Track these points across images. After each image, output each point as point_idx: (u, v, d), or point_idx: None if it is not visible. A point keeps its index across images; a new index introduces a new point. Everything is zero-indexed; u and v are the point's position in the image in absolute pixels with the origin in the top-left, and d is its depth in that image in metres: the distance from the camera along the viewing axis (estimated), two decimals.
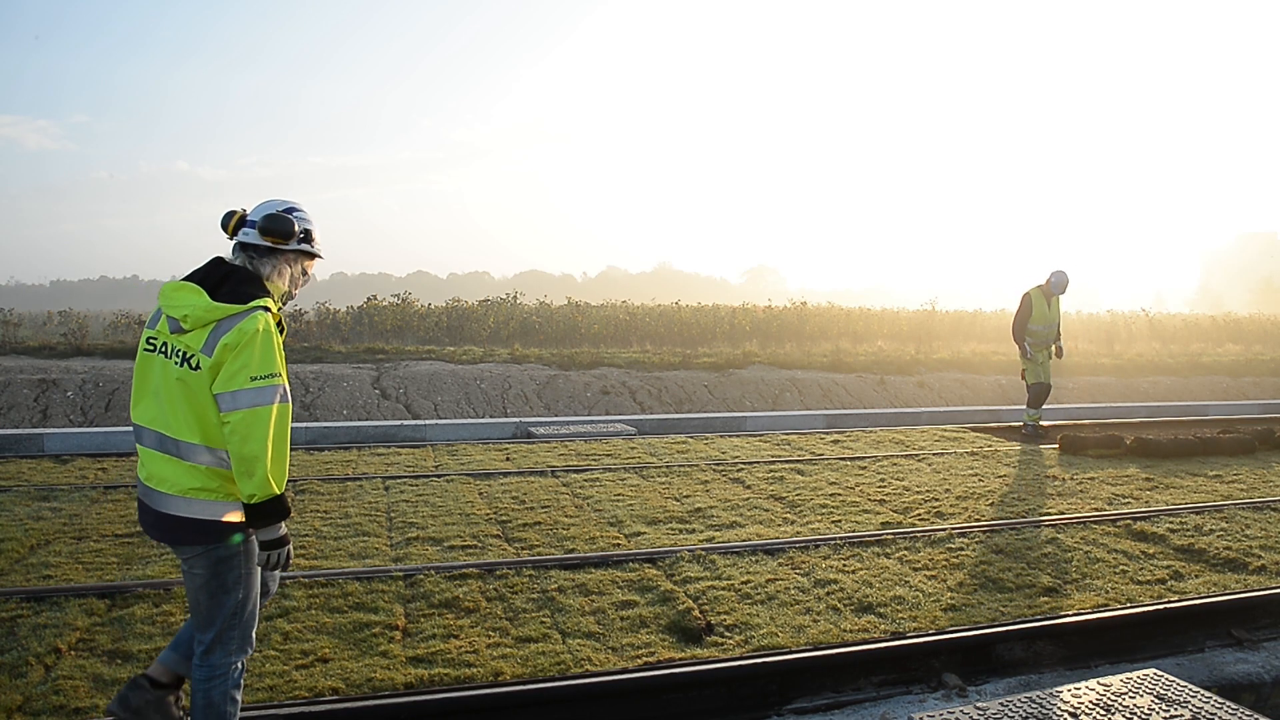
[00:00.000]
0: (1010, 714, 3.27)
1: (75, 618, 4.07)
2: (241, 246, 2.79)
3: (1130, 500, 6.94)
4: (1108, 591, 4.70)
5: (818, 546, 5.42)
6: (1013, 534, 5.78)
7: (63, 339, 16.31)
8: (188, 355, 2.62)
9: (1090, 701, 3.34)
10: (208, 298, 2.62)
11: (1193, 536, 5.76)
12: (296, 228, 2.79)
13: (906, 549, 5.41)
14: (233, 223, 2.80)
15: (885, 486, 7.31)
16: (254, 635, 2.87)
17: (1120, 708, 3.29)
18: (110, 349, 15.35)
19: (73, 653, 3.75)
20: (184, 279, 2.71)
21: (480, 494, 6.87)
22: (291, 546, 2.79)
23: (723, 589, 4.63)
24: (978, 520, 6.19)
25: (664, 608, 4.37)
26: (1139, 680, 3.53)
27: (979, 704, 3.38)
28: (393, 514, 6.20)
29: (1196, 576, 4.99)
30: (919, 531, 5.77)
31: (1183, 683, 3.52)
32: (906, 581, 4.80)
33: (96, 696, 3.37)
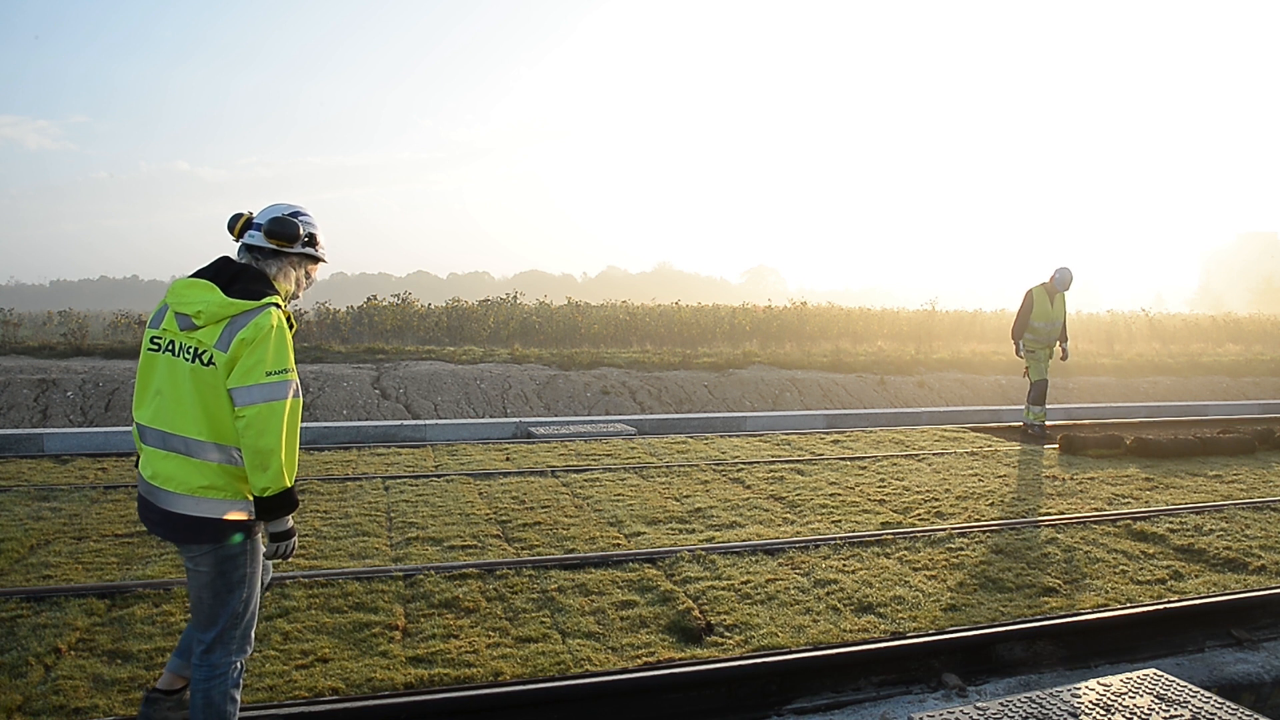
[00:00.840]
0: (1010, 714, 3.27)
1: (75, 618, 4.07)
2: (247, 248, 2.82)
3: (1130, 500, 6.93)
4: (1108, 591, 4.70)
5: (818, 546, 5.42)
6: (1013, 534, 5.78)
7: (63, 339, 16.32)
8: (200, 351, 2.64)
9: (1090, 701, 3.34)
10: (221, 294, 2.65)
11: (1193, 536, 5.76)
12: (301, 231, 2.83)
13: (906, 549, 5.41)
14: (239, 225, 2.83)
15: (885, 486, 7.31)
16: (254, 635, 2.89)
17: (1120, 708, 3.29)
18: (110, 349, 15.35)
19: (73, 653, 3.75)
20: (193, 276, 2.72)
21: (480, 494, 6.87)
22: (296, 541, 2.82)
23: (723, 589, 4.63)
24: (978, 520, 6.19)
25: (664, 608, 4.37)
26: (1139, 680, 3.53)
27: (979, 704, 3.38)
28: (393, 514, 6.20)
29: (1196, 576, 4.99)
30: (919, 531, 5.77)
31: (1183, 683, 3.53)
32: (906, 581, 4.80)
33: (96, 696, 3.37)
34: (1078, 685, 3.50)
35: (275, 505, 2.66)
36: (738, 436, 10.25)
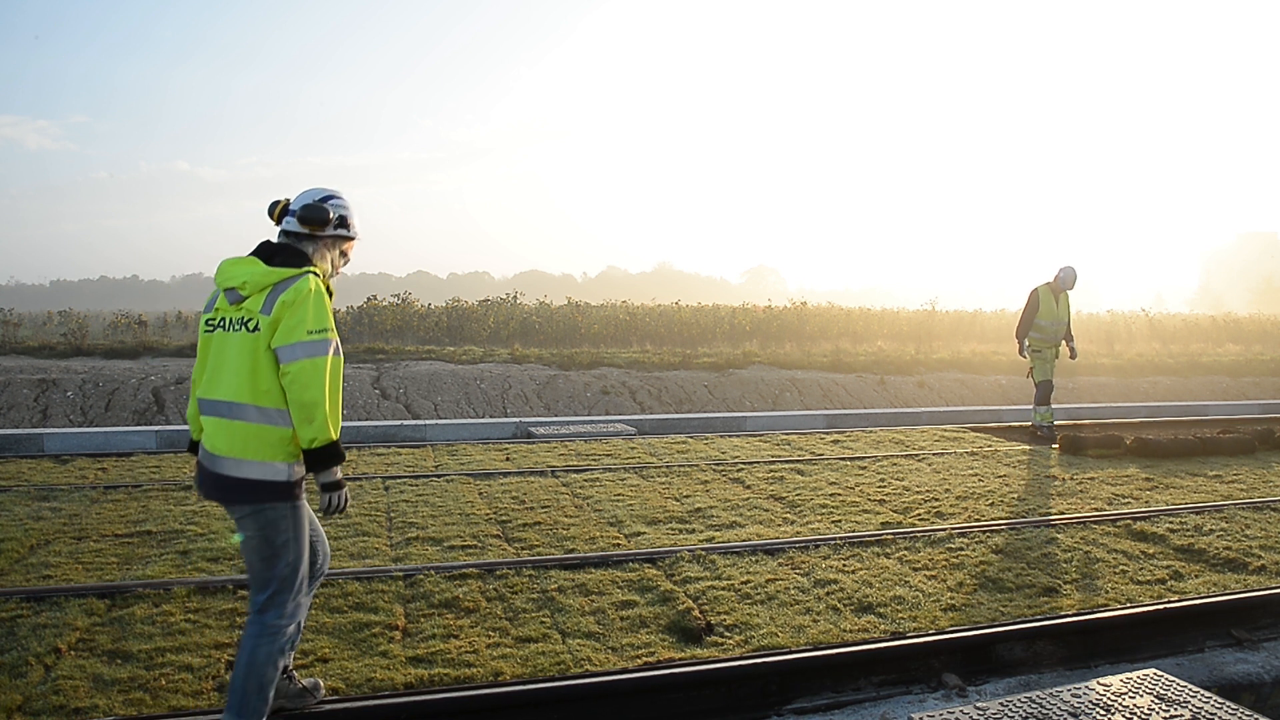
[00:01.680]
0: (1010, 714, 3.27)
1: (75, 618, 4.07)
2: (284, 233, 3.04)
3: (1130, 500, 6.94)
4: (1108, 591, 4.70)
5: (818, 546, 5.42)
6: (1013, 534, 5.78)
7: (63, 339, 16.32)
8: (246, 320, 2.87)
9: (1090, 701, 3.34)
10: (263, 265, 2.90)
11: (1193, 536, 5.76)
12: (332, 215, 3.03)
13: (906, 549, 5.41)
14: (277, 211, 3.07)
15: (885, 486, 7.31)
16: (306, 608, 3.07)
17: (1120, 708, 3.29)
18: (110, 349, 15.35)
19: (73, 653, 3.75)
20: (238, 257, 2.98)
21: (480, 494, 6.87)
22: (348, 491, 3.00)
23: (723, 589, 4.63)
24: (978, 520, 6.20)
25: (664, 608, 4.37)
26: (1139, 680, 3.53)
27: (979, 704, 3.38)
28: (393, 514, 6.20)
29: (1196, 576, 4.99)
30: (919, 531, 5.77)
31: (1183, 683, 3.53)
32: (906, 581, 4.80)
33: (96, 696, 3.37)
34: (1078, 685, 3.50)
35: (322, 457, 2.86)
36: (738, 436, 10.25)
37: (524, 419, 11.45)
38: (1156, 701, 3.34)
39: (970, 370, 18.34)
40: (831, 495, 6.96)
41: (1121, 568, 5.13)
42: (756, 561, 5.12)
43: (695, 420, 11.60)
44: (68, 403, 12.32)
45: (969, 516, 6.32)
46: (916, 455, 8.87)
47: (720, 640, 4.01)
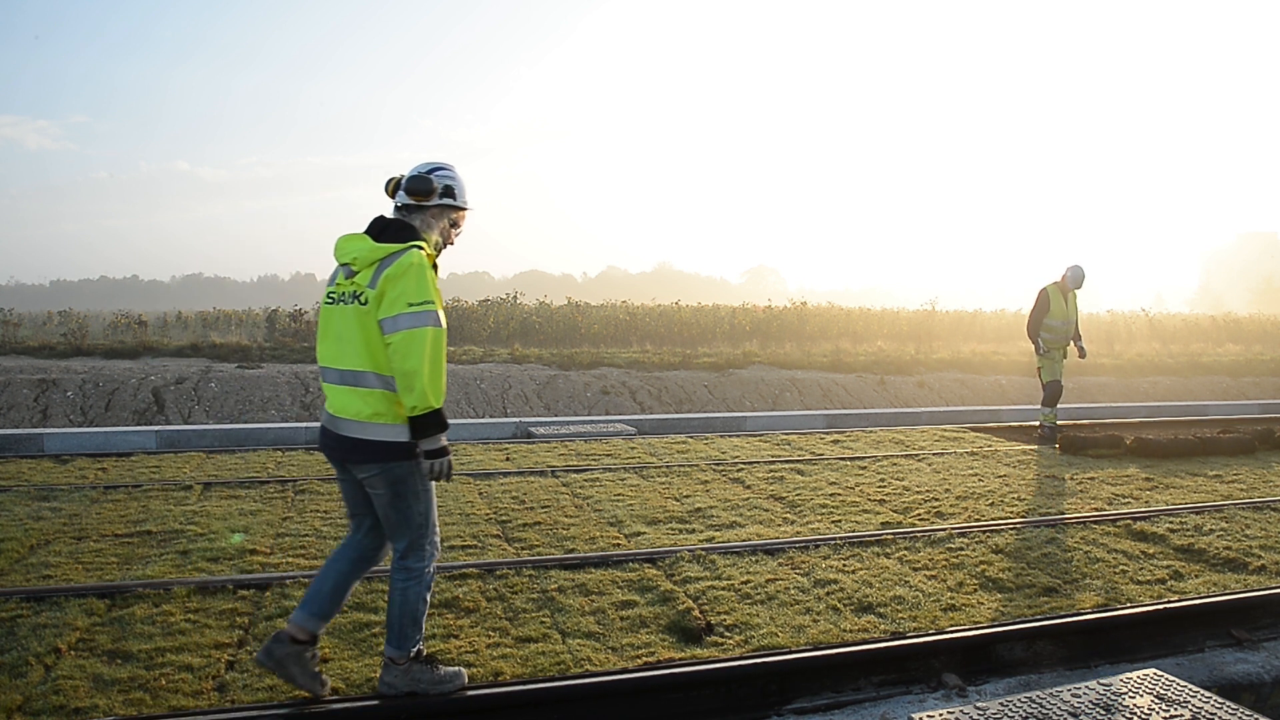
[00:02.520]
0: (1010, 714, 3.27)
1: (75, 618, 4.07)
2: (396, 206, 3.25)
3: (1130, 500, 6.94)
4: (1108, 591, 4.70)
5: (818, 546, 5.42)
6: (1013, 534, 5.78)
7: (63, 339, 16.33)
8: (358, 294, 3.07)
9: (1090, 701, 3.34)
10: (371, 241, 3.09)
11: (1193, 536, 5.76)
12: (437, 184, 3.20)
13: (906, 549, 5.41)
14: (391, 186, 3.27)
15: (885, 486, 7.31)
16: (439, 541, 3.32)
17: (1120, 708, 3.29)
18: (110, 349, 15.36)
19: (73, 653, 3.75)
20: (353, 233, 3.17)
21: (480, 494, 6.87)
22: (452, 458, 3.17)
23: (723, 589, 4.63)
24: (978, 520, 6.19)
25: (664, 608, 4.37)
26: (1139, 680, 3.53)
27: (979, 704, 3.38)
28: None
29: (1196, 576, 4.99)
30: (919, 531, 5.77)
31: (1183, 683, 3.53)
32: (906, 581, 4.80)
33: (96, 696, 3.37)
34: (1078, 685, 3.50)
35: (424, 423, 3.02)
36: (738, 436, 10.25)
37: (524, 419, 11.45)
38: (1156, 701, 3.34)
39: (970, 370, 18.34)
40: (831, 495, 6.96)
41: (1121, 568, 5.13)
42: (756, 561, 5.12)
43: (695, 420, 11.60)
44: (68, 403, 12.32)
45: (969, 516, 6.32)
46: (916, 455, 8.87)
47: (720, 640, 4.01)
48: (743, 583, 4.72)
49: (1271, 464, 8.66)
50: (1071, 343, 10.05)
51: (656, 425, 11.20)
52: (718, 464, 8.23)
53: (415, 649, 3.26)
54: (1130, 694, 3.41)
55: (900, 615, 4.31)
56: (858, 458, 8.67)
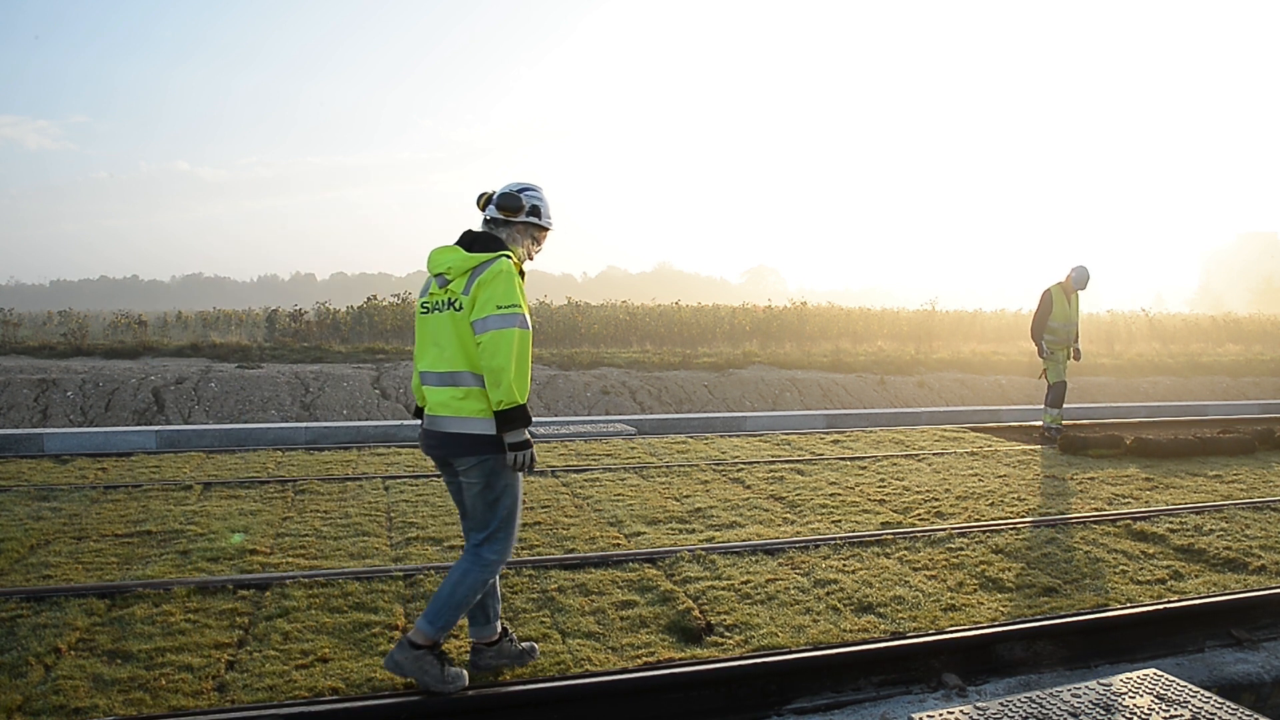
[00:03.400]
0: (1010, 714, 3.27)
1: (75, 618, 4.07)
2: (485, 221, 3.48)
3: (1130, 500, 6.93)
4: (1108, 591, 4.70)
5: (818, 546, 5.42)
6: (1013, 534, 5.78)
7: (63, 339, 16.33)
8: (452, 301, 3.31)
9: (1090, 701, 3.34)
10: (463, 252, 3.34)
11: (1193, 536, 5.76)
12: (525, 203, 3.43)
13: (906, 549, 5.41)
14: (482, 200, 3.50)
15: (885, 486, 7.31)
16: (515, 539, 3.49)
17: (1120, 708, 3.29)
18: (110, 349, 15.36)
19: (73, 653, 3.75)
20: (444, 246, 3.41)
21: None
22: (535, 451, 3.34)
23: (723, 589, 4.63)
24: (978, 520, 6.19)
25: (664, 608, 4.37)
26: (1139, 680, 3.53)
27: (979, 704, 3.38)
28: (393, 514, 6.20)
29: (1196, 576, 4.99)
30: (919, 531, 5.77)
31: (1183, 683, 3.52)
32: (906, 581, 4.80)
33: (96, 696, 3.37)
34: (1078, 685, 3.50)
35: (509, 417, 3.23)
36: (738, 436, 10.25)
37: None
38: (1156, 701, 3.34)
39: (970, 370, 18.34)
40: (831, 495, 6.95)
41: (1121, 568, 5.13)
42: (756, 561, 5.12)
43: (695, 420, 11.60)
44: (68, 403, 12.32)
45: (969, 516, 6.32)
46: (916, 455, 8.87)
47: (720, 640, 4.01)
48: (743, 583, 4.72)
49: (1271, 464, 8.66)
50: (1072, 343, 10.01)
51: (656, 425, 11.20)
52: (718, 464, 8.22)
53: (438, 639, 3.37)
54: (1130, 694, 3.41)
55: (900, 615, 4.31)
56: (858, 458, 8.67)
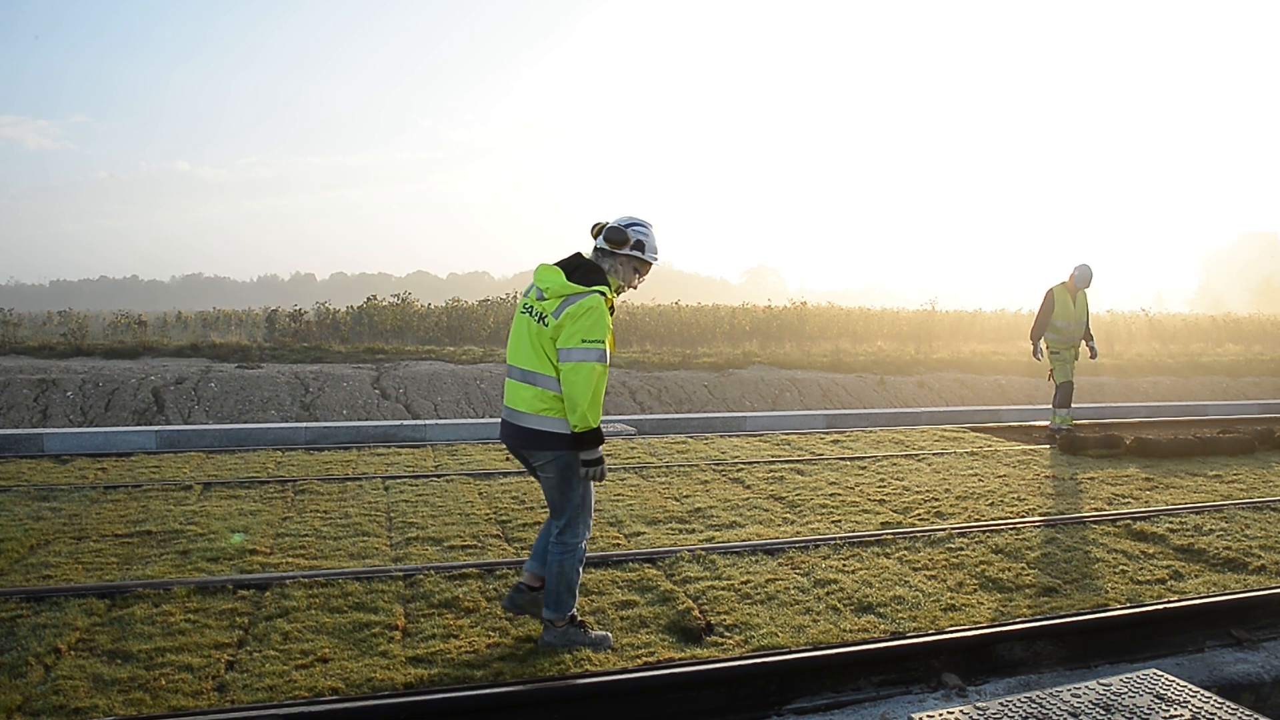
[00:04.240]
0: (1010, 714, 3.27)
1: (75, 618, 4.07)
2: (595, 248, 3.81)
3: (1130, 500, 6.93)
4: (1108, 591, 4.70)
5: (818, 546, 5.42)
6: (1013, 534, 5.77)
7: (62, 339, 16.32)
8: (542, 315, 3.66)
9: (1090, 701, 3.34)
10: (564, 278, 3.64)
11: (1193, 536, 5.76)
12: (630, 238, 3.74)
13: (906, 549, 5.41)
14: (595, 229, 3.83)
15: (885, 486, 7.31)
16: (591, 522, 3.86)
17: (1120, 707, 3.29)
18: (110, 349, 15.35)
19: (72, 653, 3.75)
20: (553, 264, 3.73)
21: (480, 494, 6.87)
22: (605, 465, 3.74)
23: (722, 589, 4.62)
24: (978, 520, 6.19)
25: (664, 608, 4.37)
26: (1139, 680, 3.53)
27: (979, 704, 3.37)
28: (393, 514, 6.20)
29: (1196, 576, 4.99)
30: (919, 531, 5.77)
31: (1183, 683, 3.52)
32: (906, 581, 4.80)
33: (96, 696, 3.37)
34: (1078, 685, 3.49)
35: (582, 438, 3.63)
36: (738, 436, 10.25)
37: None
38: (1156, 701, 3.34)
39: (970, 370, 18.34)
40: (831, 495, 6.95)
41: (1121, 568, 5.12)
42: (756, 561, 5.12)
43: (695, 420, 11.60)
44: (68, 403, 12.32)
45: (969, 516, 6.32)
46: (916, 455, 8.87)
47: (720, 640, 4.01)
48: (743, 583, 4.72)
49: (1271, 464, 8.66)
50: (1083, 343, 9.97)
51: (656, 425, 11.20)
52: (718, 464, 8.22)
53: (570, 613, 3.83)
54: (1130, 694, 3.40)
55: (900, 615, 4.31)
56: (858, 458, 8.67)
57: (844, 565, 5.06)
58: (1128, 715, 3.24)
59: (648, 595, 4.54)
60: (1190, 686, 3.49)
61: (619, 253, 3.75)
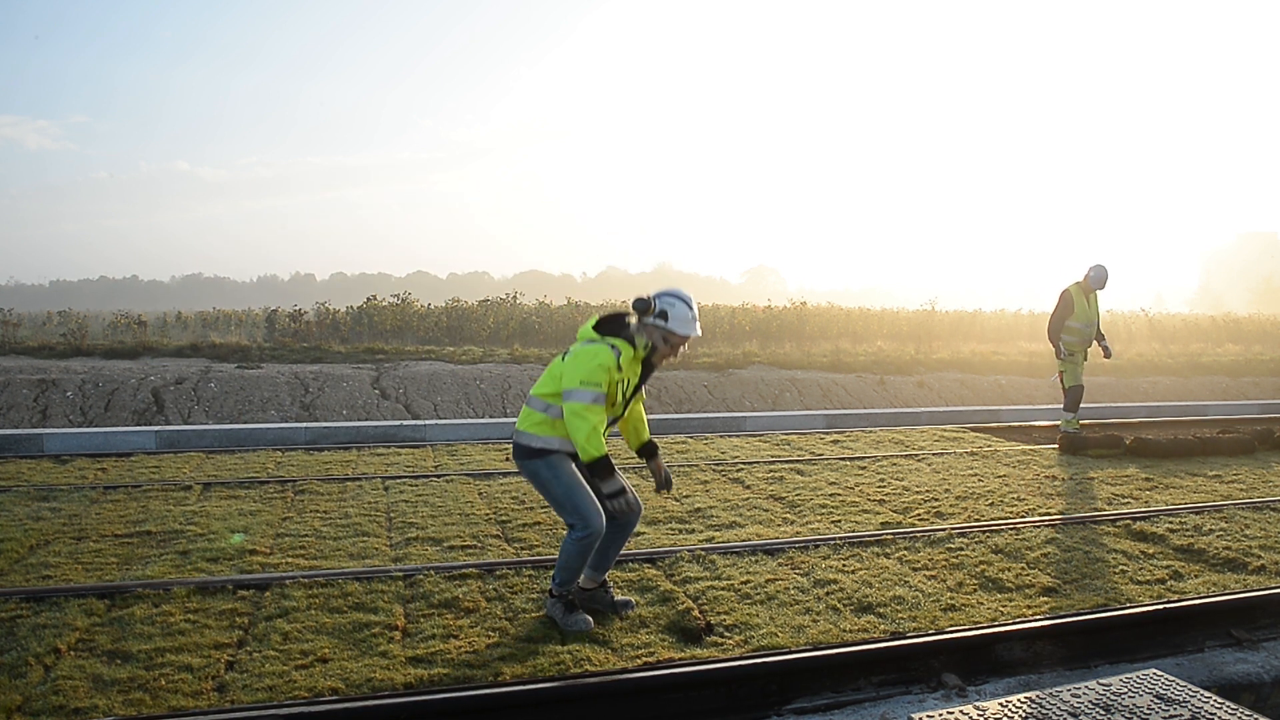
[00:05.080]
0: (1010, 714, 3.27)
1: (75, 618, 4.07)
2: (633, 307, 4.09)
3: (1130, 500, 6.93)
4: (1108, 591, 4.70)
5: (817, 546, 5.42)
6: (1013, 534, 5.78)
7: (62, 339, 16.32)
8: (565, 354, 4.08)
9: (1090, 701, 3.34)
10: (589, 327, 4.09)
11: (1192, 536, 5.76)
12: (655, 307, 4.01)
13: (906, 549, 5.41)
14: (636, 298, 4.10)
15: (885, 486, 7.31)
16: (589, 515, 3.98)
17: (1120, 708, 3.29)
18: (110, 349, 15.35)
19: (72, 653, 3.75)
20: (601, 317, 4.12)
21: (480, 494, 6.87)
22: (628, 496, 4.03)
23: (722, 589, 4.63)
24: (978, 520, 6.19)
25: (664, 608, 4.37)
26: (1139, 680, 3.53)
27: (979, 704, 3.37)
28: (392, 514, 6.20)
29: (1196, 576, 4.99)
30: (919, 531, 5.77)
31: (1183, 683, 3.52)
32: (906, 581, 4.80)
33: (96, 696, 3.37)
34: (1077, 685, 3.49)
35: (592, 469, 3.93)
36: (737, 436, 10.25)
37: None
38: (1156, 701, 3.34)
39: (970, 370, 18.34)
40: (831, 495, 6.95)
41: (1121, 568, 5.13)
42: (756, 561, 5.12)
43: (695, 420, 11.60)
44: (67, 403, 12.32)
45: (969, 516, 6.32)
46: (916, 455, 8.87)
47: (720, 640, 4.01)
48: (742, 583, 4.72)
49: (1271, 464, 8.66)
50: (1095, 343, 9.95)
51: (656, 425, 11.19)
52: (718, 464, 8.22)
53: (562, 591, 4.12)
54: (1130, 694, 3.41)
55: (900, 615, 4.31)
56: (857, 458, 8.67)
57: (844, 565, 5.06)
58: (1127, 715, 3.24)
59: (648, 595, 4.54)
60: (1190, 686, 3.49)
61: (644, 319, 4.05)
